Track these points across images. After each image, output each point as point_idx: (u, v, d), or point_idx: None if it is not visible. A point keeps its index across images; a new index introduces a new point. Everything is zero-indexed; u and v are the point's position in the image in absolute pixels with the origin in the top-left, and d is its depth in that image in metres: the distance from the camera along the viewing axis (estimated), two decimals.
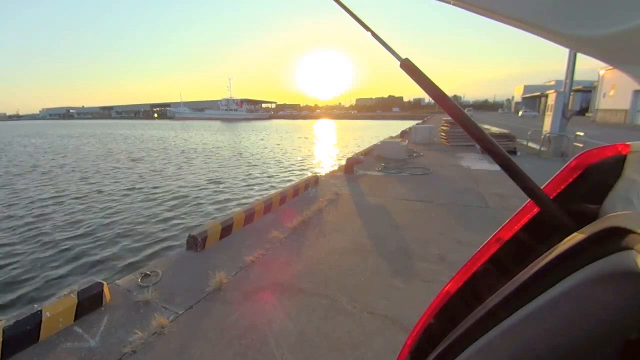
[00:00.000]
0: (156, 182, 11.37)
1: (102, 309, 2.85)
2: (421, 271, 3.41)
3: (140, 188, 10.41)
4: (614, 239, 0.33)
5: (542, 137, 11.33)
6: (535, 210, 0.54)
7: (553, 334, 0.39)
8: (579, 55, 10.09)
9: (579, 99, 43.06)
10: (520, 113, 55.59)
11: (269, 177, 12.43)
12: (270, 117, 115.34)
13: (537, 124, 17.27)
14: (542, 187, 0.51)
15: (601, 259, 0.34)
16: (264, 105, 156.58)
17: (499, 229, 0.59)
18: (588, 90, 43.03)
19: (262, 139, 29.93)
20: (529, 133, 13.11)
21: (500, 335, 0.43)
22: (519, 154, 11.09)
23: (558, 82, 45.43)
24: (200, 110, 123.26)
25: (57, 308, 2.59)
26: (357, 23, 0.55)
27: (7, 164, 16.11)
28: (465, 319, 0.52)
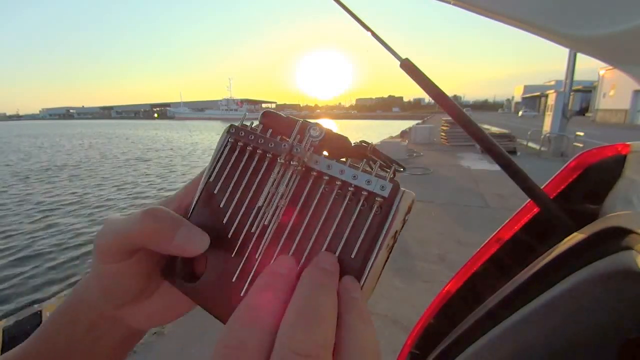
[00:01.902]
0: (158, 182, 11.38)
1: None
2: (421, 271, 3.41)
3: (142, 187, 10.42)
4: (614, 239, 0.33)
5: (542, 137, 11.32)
6: (535, 210, 0.54)
7: (553, 334, 0.39)
8: (579, 55, 10.09)
9: (579, 99, 43.07)
10: (520, 113, 55.62)
11: None
12: None
13: (537, 124, 17.29)
14: (542, 187, 0.51)
15: (601, 259, 0.34)
16: (264, 105, 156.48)
17: (499, 229, 0.59)
18: (588, 90, 43.05)
19: None
20: (529, 133, 13.11)
21: (500, 335, 0.43)
22: (519, 154, 11.09)
23: (558, 82, 45.50)
24: (200, 110, 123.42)
25: None
26: (357, 23, 0.55)
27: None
28: (465, 319, 0.52)
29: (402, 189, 0.22)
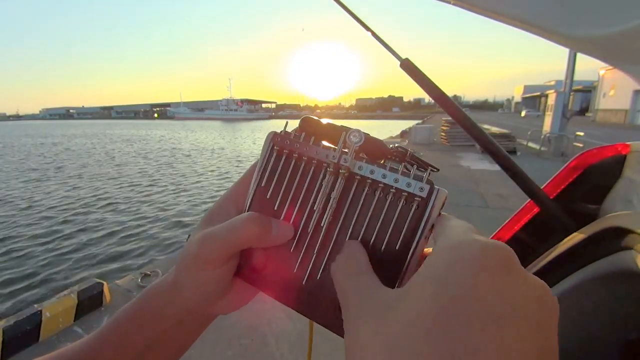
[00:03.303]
0: (160, 182, 11.37)
1: (102, 309, 2.85)
2: None
3: (142, 187, 10.41)
4: (614, 239, 0.33)
5: (542, 137, 11.31)
6: (535, 210, 0.54)
7: None
8: (579, 55, 10.08)
9: (579, 99, 43.06)
10: (523, 113, 55.39)
11: None
12: (270, 117, 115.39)
13: (538, 124, 17.27)
14: (542, 187, 0.51)
15: (601, 259, 0.34)
16: (264, 105, 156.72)
17: (499, 229, 0.59)
18: (588, 90, 43.06)
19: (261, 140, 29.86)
20: (529, 133, 13.10)
21: None
22: (519, 154, 11.08)
23: (558, 82, 45.48)
24: (200, 110, 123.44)
25: (57, 308, 2.59)
26: (357, 23, 0.55)
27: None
28: None
29: (437, 187, 0.24)
